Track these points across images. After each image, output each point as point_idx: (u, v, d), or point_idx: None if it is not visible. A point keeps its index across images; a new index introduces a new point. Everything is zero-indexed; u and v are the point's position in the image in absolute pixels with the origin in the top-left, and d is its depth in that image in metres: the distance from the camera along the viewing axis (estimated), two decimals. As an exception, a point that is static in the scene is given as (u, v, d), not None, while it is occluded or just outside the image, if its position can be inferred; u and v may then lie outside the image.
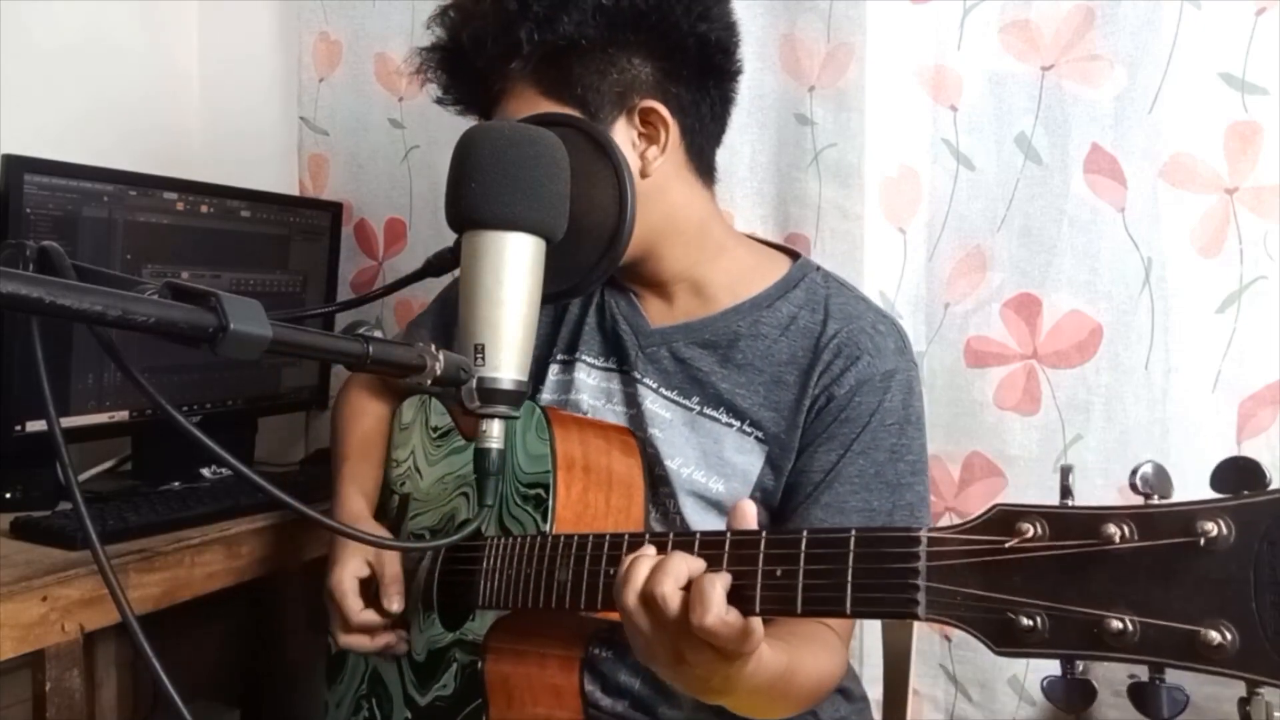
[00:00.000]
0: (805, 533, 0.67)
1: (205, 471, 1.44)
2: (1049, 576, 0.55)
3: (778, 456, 0.98)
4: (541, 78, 0.96)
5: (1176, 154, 1.22)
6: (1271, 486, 0.51)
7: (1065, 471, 0.58)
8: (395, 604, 1.01)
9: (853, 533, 0.65)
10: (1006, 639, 0.56)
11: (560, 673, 0.92)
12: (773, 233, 1.42)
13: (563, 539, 0.85)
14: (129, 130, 1.72)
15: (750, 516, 0.74)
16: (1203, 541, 0.51)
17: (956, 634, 1.31)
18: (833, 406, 0.96)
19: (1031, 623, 0.55)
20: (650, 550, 0.73)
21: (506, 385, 0.75)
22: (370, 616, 1.02)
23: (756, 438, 0.98)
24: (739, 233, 1.13)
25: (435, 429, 1.13)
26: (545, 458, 0.93)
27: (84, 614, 1.07)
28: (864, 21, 1.33)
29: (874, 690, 1.20)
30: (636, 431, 1.01)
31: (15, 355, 1.21)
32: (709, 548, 0.71)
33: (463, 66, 1.01)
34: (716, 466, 0.99)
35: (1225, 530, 0.51)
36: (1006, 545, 0.57)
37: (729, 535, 0.71)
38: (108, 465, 1.52)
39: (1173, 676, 0.54)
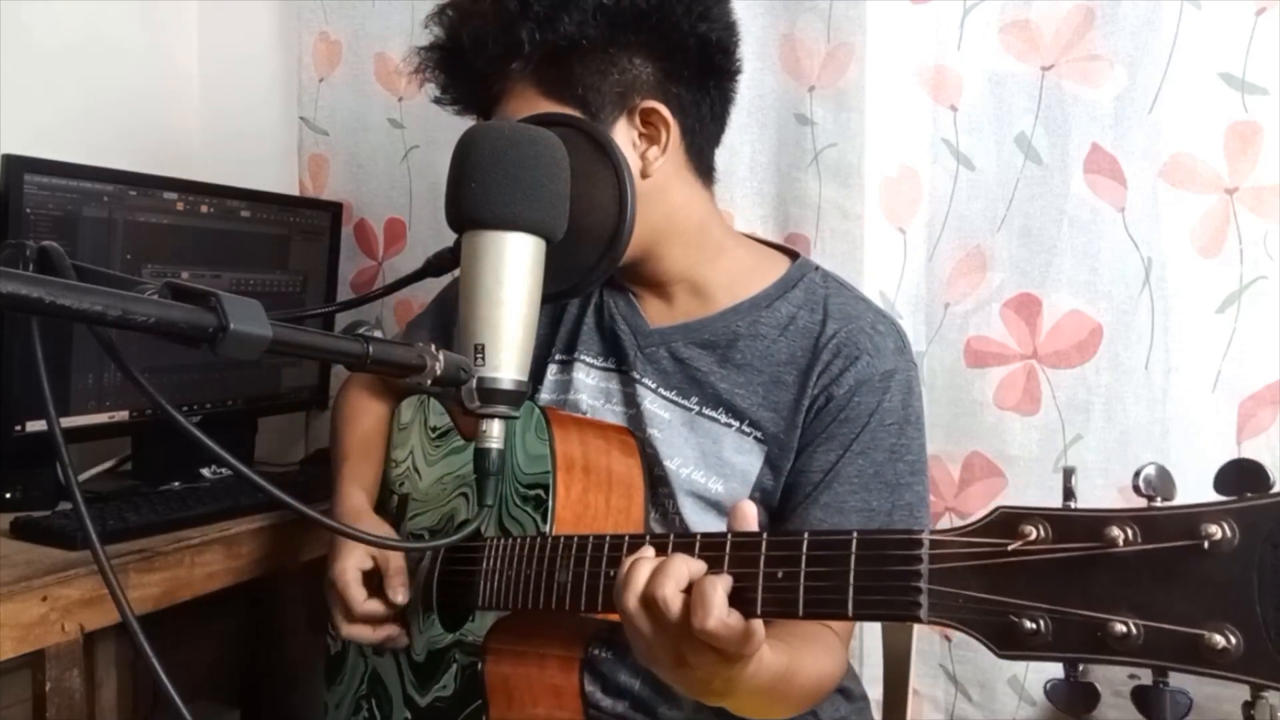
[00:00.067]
0: (806, 535, 0.67)
1: (205, 471, 1.44)
2: (1051, 579, 0.55)
3: (777, 456, 0.98)
4: (542, 78, 0.96)
5: (1176, 154, 1.22)
6: (1275, 489, 0.51)
7: (1068, 473, 0.58)
8: (401, 595, 1.00)
9: (854, 535, 0.65)
10: (1009, 642, 0.56)
11: (560, 673, 0.92)
12: (773, 233, 1.42)
13: (562, 540, 0.85)
14: (129, 130, 1.72)
15: (751, 518, 0.74)
16: (1206, 544, 0.51)
17: (957, 634, 1.31)
18: (832, 406, 0.96)
19: (1034, 626, 0.55)
20: (650, 552, 0.73)
21: (506, 385, 0.75)
22: (374, 607, 1.01)
23: (755, 438, 0.98)
24: (738, 233, 1.13)
25: (434, 429, 1.13)
26: (545, 458, 0.93)
27: (84, 614, 1.07)
28: (864, 21, 1.33)
29: (874, 690, 1.20)
30: (636, 432, 1.01)
31: (15, 355, 1.21)
32: (710, 549, 0.71)
33: (462, 66, 1.01)
34: (715, 467, 0.99)
35: (1229, 533, 0.51)
36: (1009, 548, 0.57)
37: (729, 537, 0.71)
38: (108, 465, 1.52)
39: (1176, 680, 0.54)
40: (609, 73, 0.96)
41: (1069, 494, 0.57)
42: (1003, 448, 1.32)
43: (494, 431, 0.75)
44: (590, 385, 1.06)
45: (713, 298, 1.04)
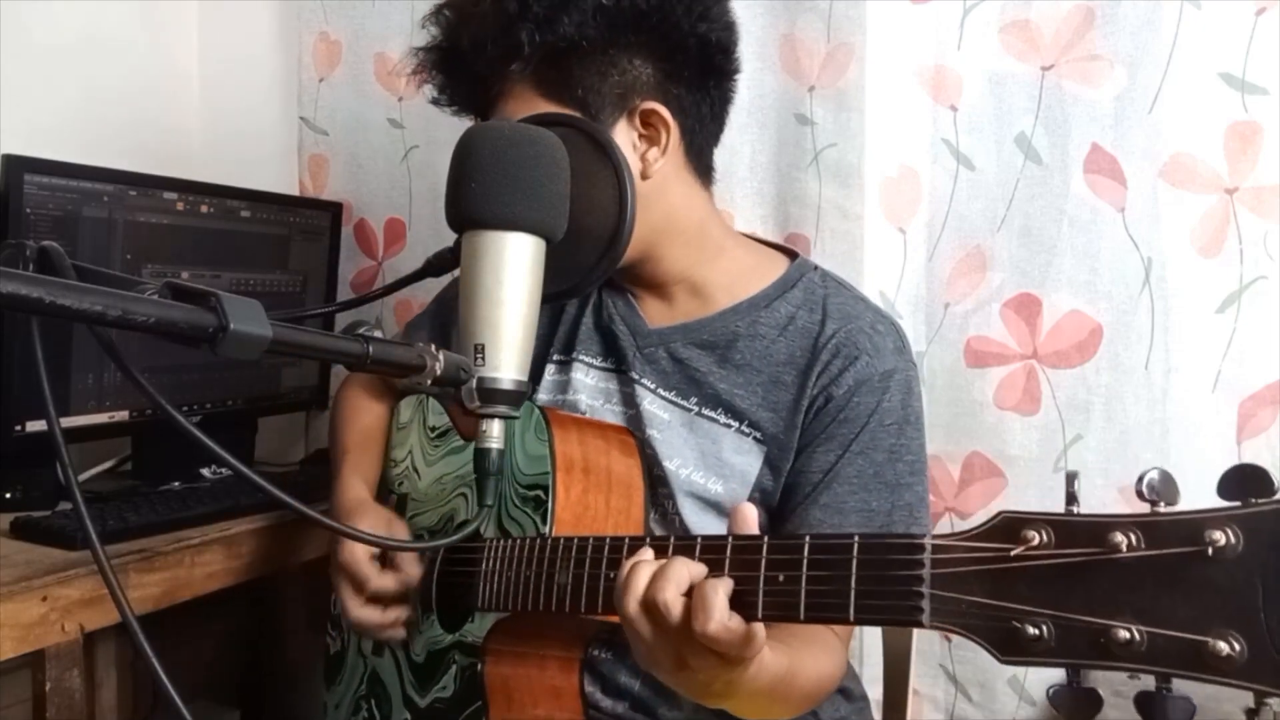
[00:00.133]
0: (808, 538, 0.67)
1: (205, 471, 1.44)
2: (1054, 585, 0.55)
3: (776, 457, 0.98)
4: (541, 79, 0.96)
5: (1176, 154, 1.22)
6: (1279, 494, 0.51)
7: (1070, 478, 0.58)
8: (412, 566, 1.00)
9: (856, 539, 0.64)
10: (1012, 648, 0.56)
11: (560, 674, 0.92)
12: (773, 233, 1.42)
13: (562, 541, 0.85)
14: (129, 130, 1.72)
15: (751, 520, 0.74)
16: (1210, 551, 0.51)
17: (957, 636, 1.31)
18: (831, 407, 0.96)
19: (1037, 631, 0.55)
20: (650, 555, 0.73)
21: (506, 385, 0.75)
22: (388, 581, 0.99)
23: (755, 438, 0.98)
24: (737, 232, 1.13)
25: (433, 429, 1.13)
26: (544, 459, 0.93)
27: (84, 614, 1.07)
28: (864, 21, 1.33)
29: (874, 690, 1.20)
30: (635, 432, 1.01)
31: (15, 355, 1.21)
32: (710, 553, 0.71)
33: (461, 67, 1.01)
34: (715, 467, 0.98)
35: (1233, 539, 0.51)
36: (1012, 553, 0.56)
37: (730, 540, 0.71)
38: (108, 465, 1.52)
39: (1179, 685, 0.53)
40: (609, 74, 0.95)
41: (1072, 499, 0.57)
42: (1003, 448, 1.32)
43: (494, 431, 0.75)
44: (589, 385, 1.06)
45: (712, 298, 1.04)
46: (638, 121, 0.97)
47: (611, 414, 1.04)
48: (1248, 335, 1.21)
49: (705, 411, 1.00)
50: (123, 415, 1.37)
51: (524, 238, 0.76)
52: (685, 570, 0.69)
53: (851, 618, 0.64)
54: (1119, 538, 0.53)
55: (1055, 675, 0.58)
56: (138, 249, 1.36)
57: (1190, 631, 0.51)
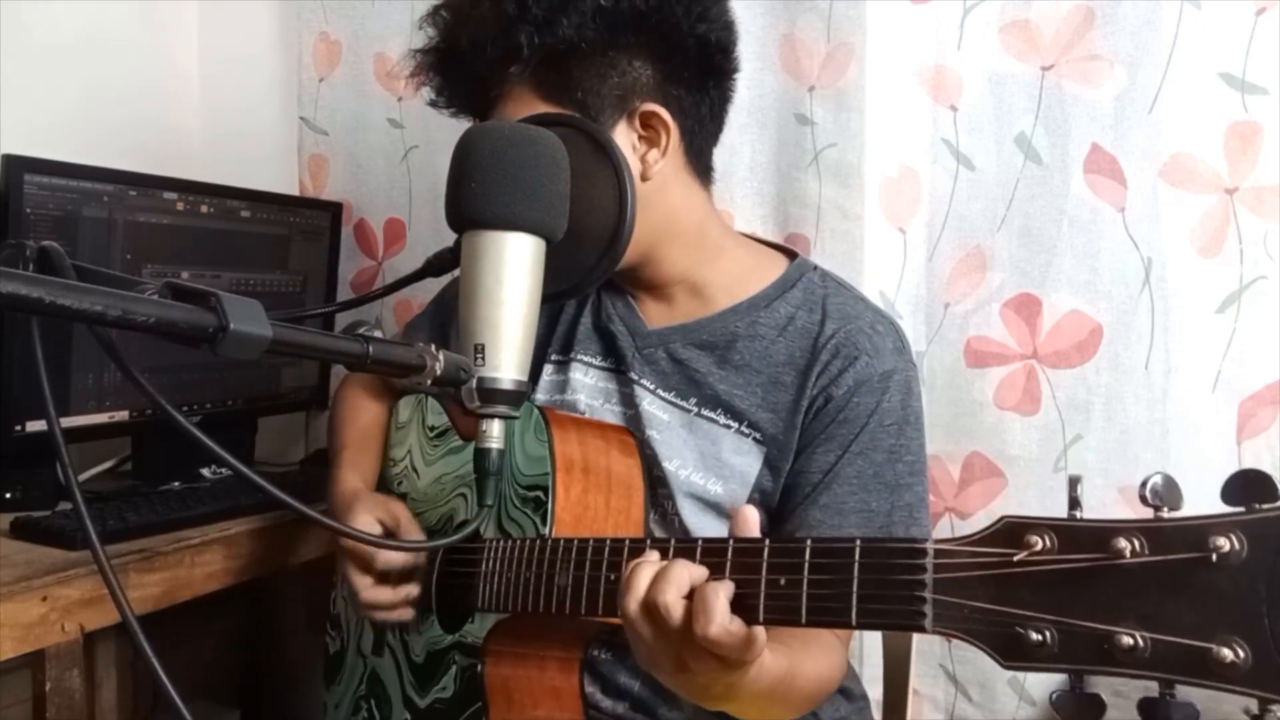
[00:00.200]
0: (809, 542, 0.67)
1: (205, 471, 1.45)
2: (1057, 590, 0.55)
3: (776, 458, 0.98)
4: (540, 81, 0.95)
5: (1176, 154, 1.22)
6: (1281, 494, 0.51)
7: (1074, 482, 0.58)
8: (415, 535, 1.00)
9: (858, 543, 0.64)
10: (1015, 653, 0.56)
11: (560, 674, 0.92)
12: (773, 233, 1.42)
13: (562, 543, 0.85)
14: (129, 130, 1.72)
15: (753, 523, 0.73)
16: (1215, 557, 0.51)
17: (956, 634, 1.31)
18: (831, 407, 0.96)
19: (1040, 637, 0.55)
20: (653, 556, 0.73)
21: (506, 385, 0.75)
22: (397, 556, 0.98)
23: (754, 439, 0.98)
24: (737, 232, 1.13)
25: (432, 428, 1.13)
26: (544, 459, 0.93)
27: (84, 614, 1.07)
28: (864, 21, 1.33)
29: (874, 690, 1.20)
30: (635, 432, 1.01)
31: (15, 355, 1.21)
32: (711, 555, 0.71)
33: (459, 69, 1.00)
34: (714, 468, 0.98)
35: (1237, 545, 0.50)
36: (1015, 558, 0.56)
37: (731, 543, 0.71)
38: (108, 465, 1.52)
39: (1183, 691, 0.53)
40: (608, 76, 0.95)
41: (1075, 503, 0.57)
42: (1003, 448, 1.32)
43: (494, 431, 0.75)
44: (589, 385, 1.06)
45: (711, 298, 1.04)
46: (637, 123, 0.97)
47: (611, 414, 1.04)
48: (1248, 335, 1.21)
49: (705, 412, 1.00)
50: (123, 415, 1.37)
51: (524, 238, 0.76)
52: (686, 573, 0.69)
53: (853, 622, 0.64)
54: (1123, 543, 0.53)
55: (1056, 677, 0.57)
56: (138, 249, 1.36)
57: (1194, 638, 0.51)
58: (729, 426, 0.99)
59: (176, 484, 1.40)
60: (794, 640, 0.82)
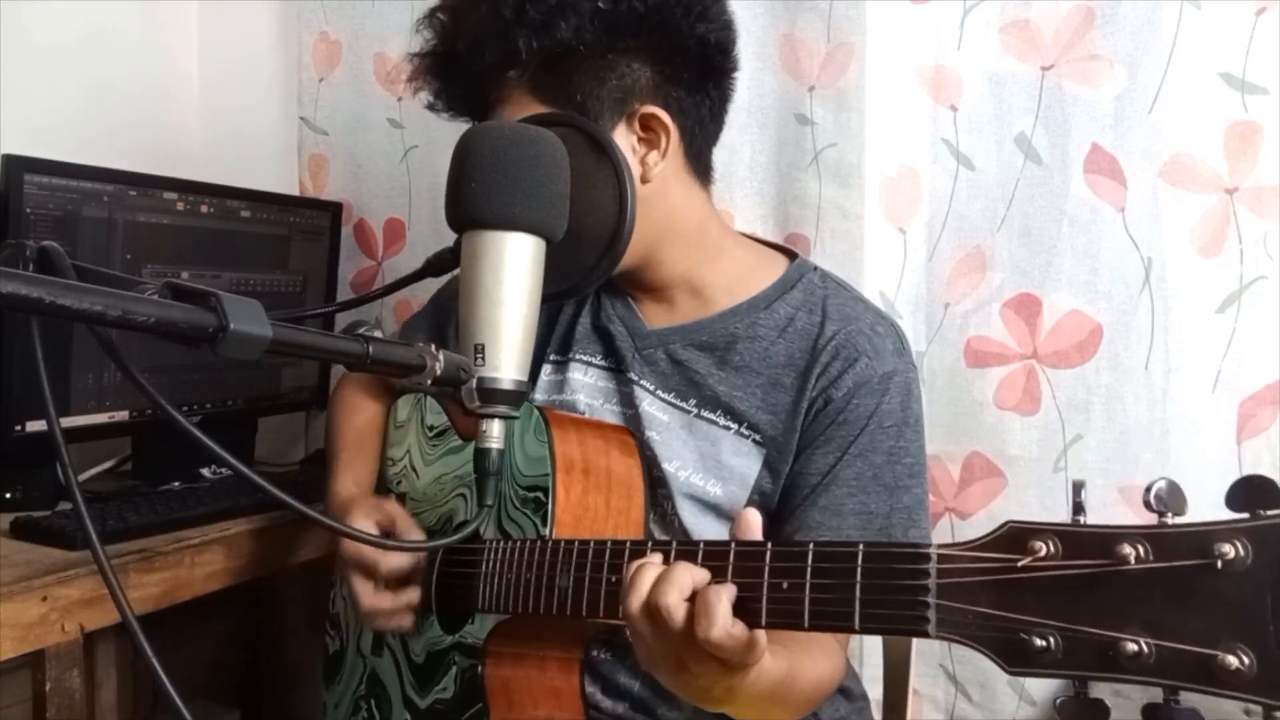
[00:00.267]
0: (811, 545, 0.67)
1: (205, 471, 1.44)
2: (1062, 596, 0.55)
3: (775, 459, 0.97)
4: (539, 85, 0.95)
5: (1176, 154, 1.22)
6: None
7: (1077, 487, 0.58)
8: (418, 533, 1.00)
9: (860, 547, 0.64)
10: (1019, 659, 0.56)
11: (560, 675, 0.92)
12: (773, 233, 1.41)
13: (563, 544, 0.85)
14: (129, 130, 1.72)
15: (756, 527, 0.73)
16: (1220, 564, 0.51)
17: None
18: (830, 409, 0.96)
19: (1044, 643, 0.55)
20: (656, 558, 0.73)
21: (506, 385, 0.75)
22: (398, 560, 0.97)
23: (754, 441, 0.98)
24: (736, 232, 1.12)
25: (431, 428, 1.12)
26: (544, 460, 0.93)
27: (84, 614, 1.07)
28: (864, 21, 1.33)
29: (874, 690, 1.20)
30: (634, 432, 1.01)
31: (15, 355, 1.21)
32: (713, 559, 0.71)
33: (457, 72, 1.00)
34: (714, 470, 0.98)
35: (1242, 552, 0.51)
36: (1019, 564, 0.56)
37: (733, 546, 0.71)
38: (108, 465, 1.52)
39: (1187, 697, 0.53)
40: (607, 79, 0.95)
41: (1079, 509, 0.57)
42: (1003, 448, 1.32)
43: (494, 431, 0.75)
44: (588, 384, 1.06)
45: (711, 299, 1.04)
46: (637, 125, 0.96)
47: (610, 414, 1.04)
48: (1248, 335, 1.21)
49: (704, 413, 1.00)
50: (123, 415, 1.37)
51: (524, 238, 0.76)
52: (689, 575, 0.69)
53: (857, 627, 0.64)
54: (1127, 549, 0.53)
55: (1057, 679, 0.57)
56: (138, 249, 1.36)
57: (1199, 644, 0.51)
58: (729, 428, 0.99)
59: (176, 484, 1.39)
60: (793, 642, 0.81)
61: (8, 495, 1.28)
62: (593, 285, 0.98)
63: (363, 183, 1.74)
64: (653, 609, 0.69)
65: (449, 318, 1.17)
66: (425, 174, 1.68)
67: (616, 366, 1.05)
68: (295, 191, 1.77)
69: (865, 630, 0.65)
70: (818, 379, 0.97)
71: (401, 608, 0.99)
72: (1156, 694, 0.54)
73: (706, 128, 1.02)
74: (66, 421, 1.29)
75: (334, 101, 1.74)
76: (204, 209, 1.45)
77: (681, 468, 0.99)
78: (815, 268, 1.06)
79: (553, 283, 0.80)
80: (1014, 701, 1.32)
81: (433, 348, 0.70)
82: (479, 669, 0.93)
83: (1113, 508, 1.24)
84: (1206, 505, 0.56)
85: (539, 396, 1.07)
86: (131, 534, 1.17)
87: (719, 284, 1.04)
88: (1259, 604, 0.50)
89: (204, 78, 1.87)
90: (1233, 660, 0.50)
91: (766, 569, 0.68)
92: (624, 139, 0.96)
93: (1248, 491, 0.52)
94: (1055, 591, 0.55)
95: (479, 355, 0.75)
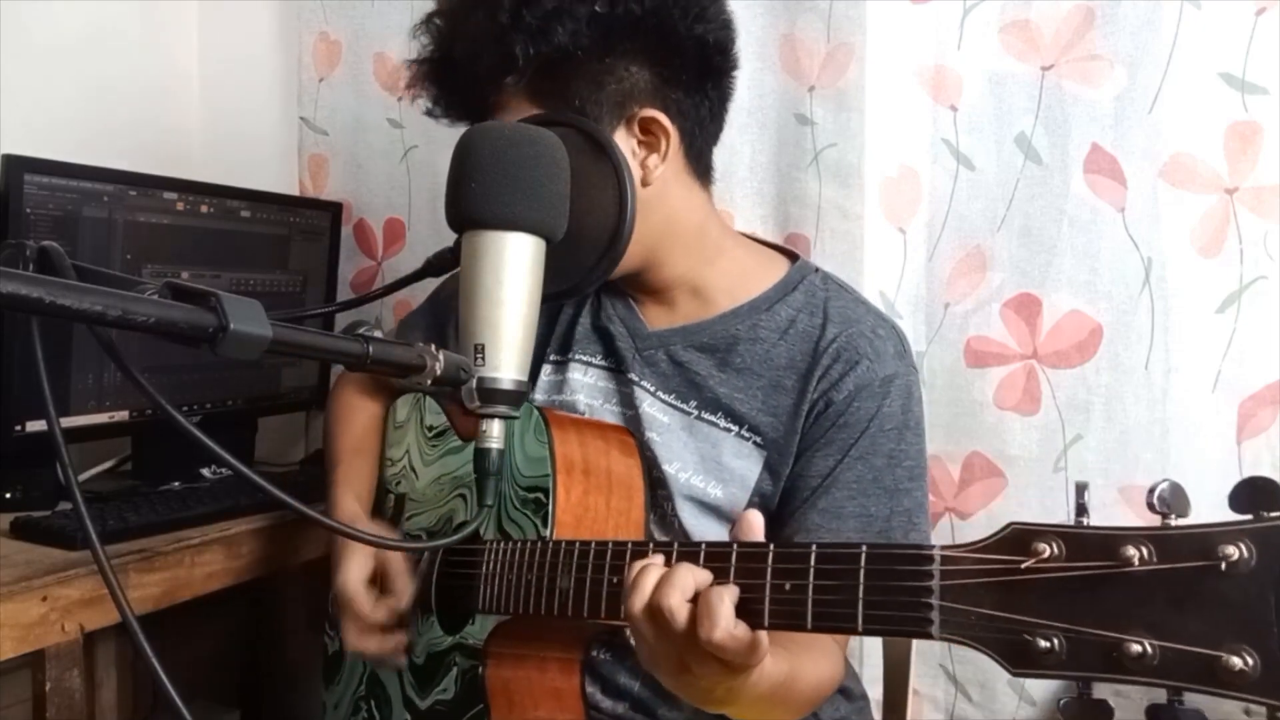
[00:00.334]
0: (814, 547, 0.67)
1: (205, 471, 1.44)
2: (1065, 598, 0.55)
3: (776, 462, 0.97)
4: (537, 90, 0.94)
5: (1176, 154, 1.22)
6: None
7: (1080, 489, 0.58)
8: (405, 600, 1.00)
9: (863, 549, 0.64)
10: (1023, 660, 0.56)
11: (561, 675, 0.92)
12: (773, 233, 1.41)
13: (564, 546, 0.85)
14: (129, 130, 1.72)
15: (758, 528, 0.73)
16: (1223, 565, 0.51)
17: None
18: (831, 411, 0.96)
19: (1048, 644, 0.55)
20: (658, 559, 0.73)
21: (506, 385, 0.75)
22: (384, 613, 0.99)
23: (755, 443, 0.98)
24: (737, 233, 1.12)
25: (430, 428, 1.12)
26: (544, 460, 0.93)
27: (84, 614, 1.07)
28: (864, 21, 1.33)
29: (874, 690, 1.20)
30: (635, 434, 1.01)
31: (15, 355, 1.21)
32: (715, 560, 0.71)
33: (455, 79, 1.00)
34: (715, 471, 0.98)
35: (1246, 553, 0.51)
36: (1022, 566, 0.56)
37: (735, 548, 0.71)
38: (108, 465, 1.52)
39: (1191, 697, 0.53)
40: (605, 83, 0.94)
41: (1082, 510, 0.57)
42: (1003, 448, 1.32)
43: (494, 431, 0.75)
44: (588, 384, 1.06)
45: (712, 300, 1.03)
46: (636, 129, 0.96)
47: (611, 414, 1.04)
48: (1248, 335, 1.21)
49: (705, 415, 1.00)
50: (123, 415, 1.37)
51: (524, 238, 0.76)
52: (691, 577, 0.69)
53: (860, 628, 0.64)
54: (1131, 551, 0.53)
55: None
56: (138, 249, 1.36)
57: (1203, 646, 0.51)
58: (729, 430, 0.99)
59: (176, 484, 1.39)
60: (794, 644, 0.81)
61: (8, 495, 1.28)
62: (593, 285, 0.97)
63: (362, 183, 1.74)
64: (655, 610, 0.69)
65: (448, 317, 1.17)
66: (425, 174, 1.68)
67: (617, 367, 1.05)
68: (295, 191, 1.77)
69: (868, 631, 0.65)
70: (819, 381, 0.97)
71: (389, 650, 1.00)
72: (1160, 694, 0.54)
73: (706, 128, 1.01)
74: (66, 421, 1.29)
75: (334, 101, 1.74)
76: (204, 209, 1.45)
77: (682, 469, 0.99)
78: (816, 269, 1.06)
79: (553, 283, 0.80)
80: (1014, 702, 1.32)
81: (433, 348, 0.70)
82: (480, 670, 0.93)
83: (1113, 508, 1.24)
84: (1207, 505, 0.56)
85: (539, 397, 1.07)
86: (131, 534, 1.17)
87: (720, 285, 1.04)
88: (1263, 605, 0.50)
89: (204, 78, 1.87)
90: (1237, 661, 0.50)
91: (769, 570, 0.68)
92: (624, 143, 0.95)
93: (1251, 493, 0.52)
94: (1059, 593, 0.55)
95: (479, 355, 0.75)
